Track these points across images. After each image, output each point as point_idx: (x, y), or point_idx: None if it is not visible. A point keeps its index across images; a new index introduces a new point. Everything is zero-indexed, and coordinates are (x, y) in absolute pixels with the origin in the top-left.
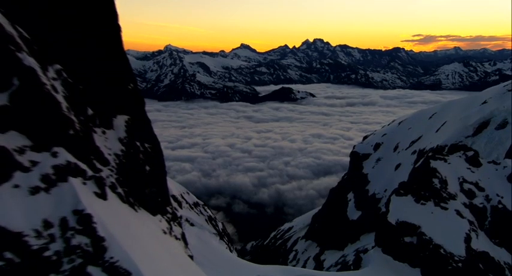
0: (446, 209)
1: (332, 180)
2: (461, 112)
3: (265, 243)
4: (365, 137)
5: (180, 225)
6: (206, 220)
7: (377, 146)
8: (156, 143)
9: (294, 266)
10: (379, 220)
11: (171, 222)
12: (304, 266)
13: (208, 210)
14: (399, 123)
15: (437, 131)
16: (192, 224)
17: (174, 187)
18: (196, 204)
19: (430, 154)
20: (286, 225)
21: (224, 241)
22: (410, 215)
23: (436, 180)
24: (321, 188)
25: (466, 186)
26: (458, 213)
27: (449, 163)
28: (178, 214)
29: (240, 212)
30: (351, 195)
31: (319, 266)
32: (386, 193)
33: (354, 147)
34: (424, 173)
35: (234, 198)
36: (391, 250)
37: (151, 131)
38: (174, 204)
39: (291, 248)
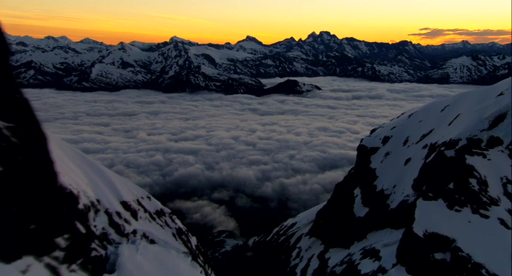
0: (487, 217)
1: (337, 175)
2: (475, 104)
3: (267, 239)
4: (373, 130)
5: (87, 268)
6: (174, 234)
7: (386, 140)
8: (27, 121)
9: (297, 264)
10: (387, 217)
11: (62, 266)
12: (307, 264)
13: (177, 221)
14: (409, 116)
15: (450, 124)
16: (152, 241)
17: (126, 190)
18: (160, 213)
19: (442, 148)
20: (290, 221)
21: (199, 262)
22: (442, 225)
23: (473, 181)
24: (326, 183)
25: None
26: (503, 222)
27: (489, 159)
28: (131, 228)
29: (243, 206)
30: (357, 191)
31: (323, 264)
32: (395, 189)
33: (361, 141)
34: (459, 171)
35: (237, 191)
36: (418, 269)
37: (19, 98)
38: (125, 215)
39: (294, 245)
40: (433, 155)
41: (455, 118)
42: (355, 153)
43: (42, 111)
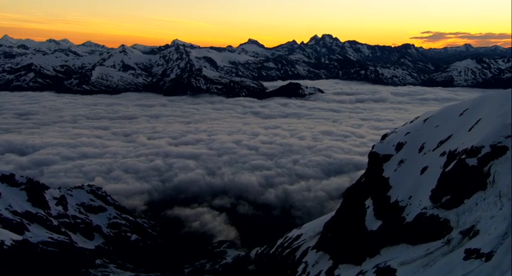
0: None
1: (343, 181)
2: (498, 108)
3: (271, 251)
4: (385, 136)
5: None
6: None
7: (399, 146)
8: None
9: None
10: (403, 232)
11: None
12: None
13: None
14: (425, 121)
15: (470, 129)
16: None
17: None
18: None
19: (462, 156)
20: (295, 232)
21: None
22: None
23: None
24: (331, 189)
25: None
26: None
27: None
28: None
29: (245, 213)
30: (369, 202)
31: None
32: (411, 200)
33: (372, 147)
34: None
35: (239, 198)
36: None
37: None
38: None
39: (300, 260)
40: (452, 164)
41: (475, 123)
42: (361, 158)
43: (40, 114)
